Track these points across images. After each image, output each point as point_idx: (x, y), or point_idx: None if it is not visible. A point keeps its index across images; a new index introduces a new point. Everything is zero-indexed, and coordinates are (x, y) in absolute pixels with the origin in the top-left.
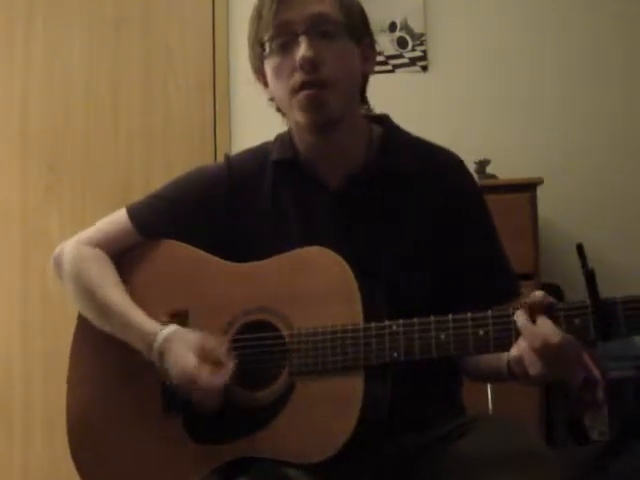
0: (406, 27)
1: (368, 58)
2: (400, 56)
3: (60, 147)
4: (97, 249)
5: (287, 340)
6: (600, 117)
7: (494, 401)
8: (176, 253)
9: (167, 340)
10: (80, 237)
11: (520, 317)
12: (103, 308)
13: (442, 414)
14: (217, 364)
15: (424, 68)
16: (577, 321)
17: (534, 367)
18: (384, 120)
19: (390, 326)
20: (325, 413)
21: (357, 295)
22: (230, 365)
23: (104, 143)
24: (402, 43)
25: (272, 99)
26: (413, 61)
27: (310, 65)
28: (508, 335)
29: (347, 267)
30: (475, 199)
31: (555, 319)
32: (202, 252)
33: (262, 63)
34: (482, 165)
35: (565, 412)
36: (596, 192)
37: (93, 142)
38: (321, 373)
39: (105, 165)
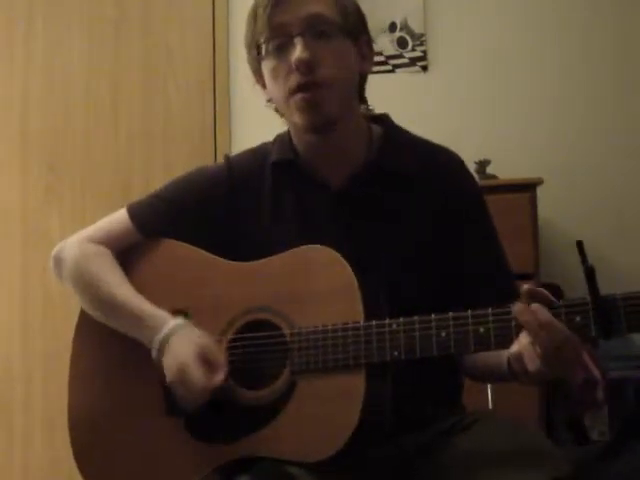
0: (406, 27)
1: (365, 57)
2: (400, 56)
3: (60, 147)
4: (100, 245)
5: (288, 339)
6: (600, 117)
7: (494, 401)
8: (176, 253)
9: (173, 331)
10: (81, 235)
11: (517, 303)
12: (109, 302)
13: (442, 412)
14: (212, 367)
15: (424, 68)
16: (578, 318)
17: (533, 363)
18: (384, 120)
19: (391, 324)
20: (326, 411)
21: (358, 294)
22: (222, 373)
23: (104, 143)
24: (402, 43)
25: (270, 100)
26: (413, 61)
27: (306, 66)
28: (509, 332)
29: (348, 266)
30: (475, 200)
31: (556, 317)
32: (202, 252)
33: (259, 65)
34: (482, 165)
35: (565, 412)
36: (596, 192)
37: (93, 142)
38: (322, 371)
39: (105, 165)
